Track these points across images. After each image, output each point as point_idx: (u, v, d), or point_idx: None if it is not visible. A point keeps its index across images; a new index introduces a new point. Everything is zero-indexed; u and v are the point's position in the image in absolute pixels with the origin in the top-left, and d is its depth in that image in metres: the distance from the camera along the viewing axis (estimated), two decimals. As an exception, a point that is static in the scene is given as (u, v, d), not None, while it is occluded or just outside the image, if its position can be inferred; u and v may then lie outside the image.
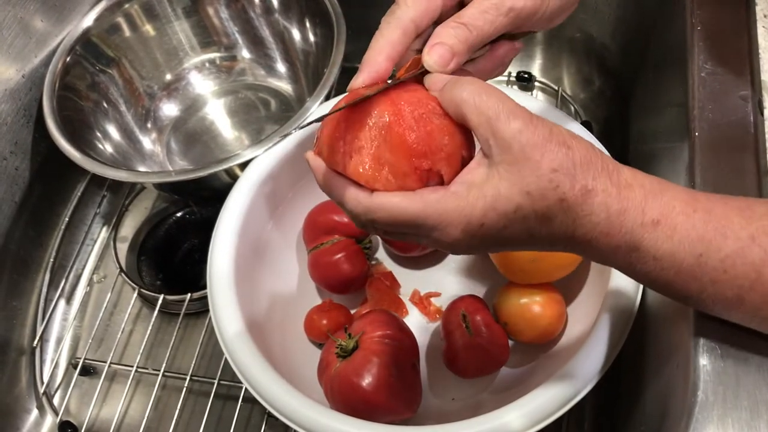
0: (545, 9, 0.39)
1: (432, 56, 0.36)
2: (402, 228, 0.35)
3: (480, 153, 0.34)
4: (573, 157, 0.32)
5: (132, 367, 0.68)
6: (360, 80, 0.36)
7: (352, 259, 0.62)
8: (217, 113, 0.83)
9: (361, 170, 0.34)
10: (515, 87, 0.84)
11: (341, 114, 0.35)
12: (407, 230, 0.35)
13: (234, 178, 0.63)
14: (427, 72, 0.37)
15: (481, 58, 0.41)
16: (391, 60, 0.37)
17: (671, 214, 0.34)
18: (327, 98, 0.65)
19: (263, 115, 0.83)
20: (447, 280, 0.66)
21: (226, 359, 0.52)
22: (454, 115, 0.34)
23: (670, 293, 0.36)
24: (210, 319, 0.55)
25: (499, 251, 0.55)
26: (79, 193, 0.79)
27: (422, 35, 0.38)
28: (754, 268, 0.33)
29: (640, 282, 0.39)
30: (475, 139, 0.35)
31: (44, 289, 0.74)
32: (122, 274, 0.73)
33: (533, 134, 0.32)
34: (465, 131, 0.35)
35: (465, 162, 0.35)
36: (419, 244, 0.36)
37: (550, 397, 0.45)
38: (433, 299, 0.65)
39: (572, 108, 0.82)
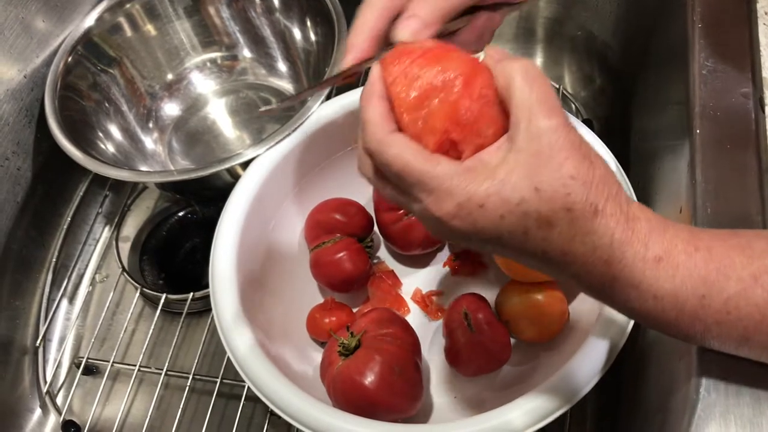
0: None
1: (402, 31, 0.36)
2: (400, 179, 0.34)
3: (504, 138, 0.33)
4: (594, 172, 0.32)
5: (135, 366, 0.68)
6: (346, 62, 0.37)
7: (353, 257, 0.62)
8: (219, 113, 0.84)
9: (403, 95, 0.34)
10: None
11: (426, 46, 0.35)
12: (402, 183, 0.34)
13: (236, 177, 0.63)
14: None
15: (462, 30, 0.41)
16: (372, 39, 0.37)
17: (674, 252, 0.33)
18: (328, 97, 0.65)
19: (265, 114, 0.83)
20: (449, 279, 0.66)
21: (228, 358, 0.52)
22: (501, 87, 0.33)
23: (670, 333, 0.35)
24: (212, 318, 0.55)
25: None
26: (81, 193, 0.79)
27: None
28: (759, 310, 0.33)
29: (636, 320, 0.38)
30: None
31: (47, 289, 0.74)
32: (124, 273, 0.74)
33: (566, 136, 0.31)
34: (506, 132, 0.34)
35: None
36: (404, 209, 0.35)
37: (553, 395, 0.45)
38: (434, 297, 0.65)
39: (573, 106, 0.82)
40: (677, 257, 0.33)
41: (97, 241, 0.80)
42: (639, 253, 0.32)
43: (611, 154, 0.56)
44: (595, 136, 0.57)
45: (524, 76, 0.32)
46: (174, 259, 0.77)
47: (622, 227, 0.32)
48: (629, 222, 0.33)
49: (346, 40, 0.38)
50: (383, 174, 0.35)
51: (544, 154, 0.31)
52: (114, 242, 0.77)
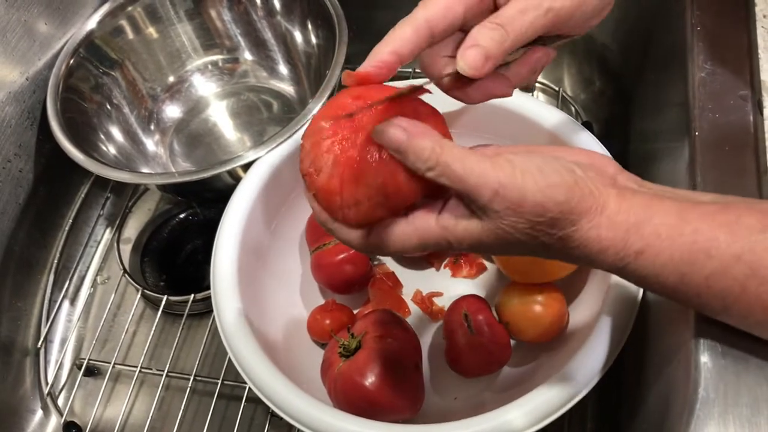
0: (584, 9, 0.37)
1: (465, 60, 0.34)
2: (408, 250, 0.36)
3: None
4: (549, 213, 0.33)
5: (136, 367, 0.68)
6: (362, 68, 0.35)
7: (354, 259, 0.62)
8: (220, 115, 0.84)
9: (336, 207, 0.35)
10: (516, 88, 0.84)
11: (344, 157, 0.34)
12: (412, 250, 0.36)
13: (237, 179, 0.63)
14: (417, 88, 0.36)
15: (514, 63, 0.39)
16: (397, 55, 0.35)
17: (655, 242, 0.34)
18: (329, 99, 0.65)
19: (265, 116, 0.83)
20: (449, 280, 0.66)
21: (229, 359, 0.52)
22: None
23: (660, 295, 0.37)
24: (213, 319, 0.55)
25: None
26: (82, 195, 0.79)
27: (443, 37, 0.37)
28: (738, 283, 0.33)
29: None
30: None
31: (48, 291, 0.75)
32: (126, 275, 0.74)
33: (503, 200, 0.32)
34: None
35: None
36: None
37: (552, 396, 0.46)
38: (435, 299, 0.65)
39: (573, 109, 0.83)
40: (660, 245, 0.34)
41: (99, 243, 0.80)
42: (618, 253, 0.34)
43: (611, 156, 0.56)
44: (595, 138, 0.58)
45: (452, 182, 0.33)
46: (175, 261, 0.77)
47: (595, 242, 0.34)
48: (603, 233, 0.34)
49: (374, 48, 0.36)
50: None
51: (495, 220, 0.33)
52: (115, 244, 0.77)
